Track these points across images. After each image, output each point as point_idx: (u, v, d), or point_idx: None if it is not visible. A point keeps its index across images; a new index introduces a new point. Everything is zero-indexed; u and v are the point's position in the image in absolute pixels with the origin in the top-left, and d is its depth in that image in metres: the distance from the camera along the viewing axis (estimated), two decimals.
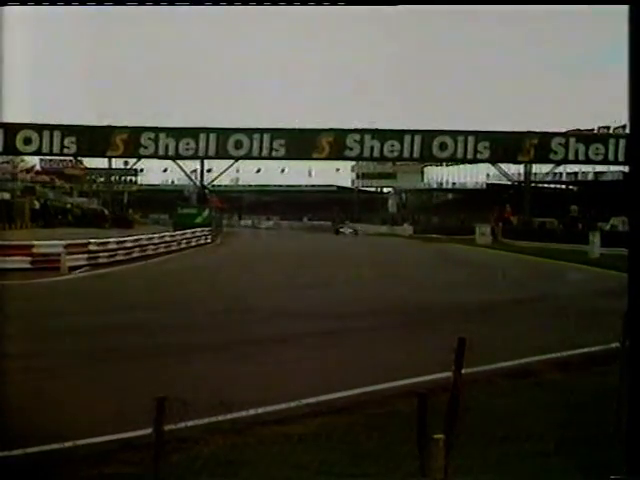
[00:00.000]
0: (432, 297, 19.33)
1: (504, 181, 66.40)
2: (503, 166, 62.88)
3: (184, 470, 5.92)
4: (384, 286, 22.36)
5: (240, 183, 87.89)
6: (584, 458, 6.50)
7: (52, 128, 54.38)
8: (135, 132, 55.27)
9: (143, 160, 64.99)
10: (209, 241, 48.21)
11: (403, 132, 56.24)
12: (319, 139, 55.14)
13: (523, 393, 9.13)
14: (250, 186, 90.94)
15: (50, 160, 76.80)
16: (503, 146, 56.61)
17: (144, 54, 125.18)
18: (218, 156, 56.71)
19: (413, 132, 56.17)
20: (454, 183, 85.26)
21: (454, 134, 56.55)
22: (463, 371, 5.85)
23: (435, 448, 4.97)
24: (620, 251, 25.33)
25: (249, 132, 55.53)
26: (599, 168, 68.58)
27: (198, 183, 61.60)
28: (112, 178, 78.90)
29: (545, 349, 11.44)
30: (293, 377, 9.83)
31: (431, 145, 56.42)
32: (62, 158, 72.58)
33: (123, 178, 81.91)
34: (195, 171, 62.29)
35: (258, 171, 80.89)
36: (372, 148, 56.31)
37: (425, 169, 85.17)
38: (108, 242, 29.94)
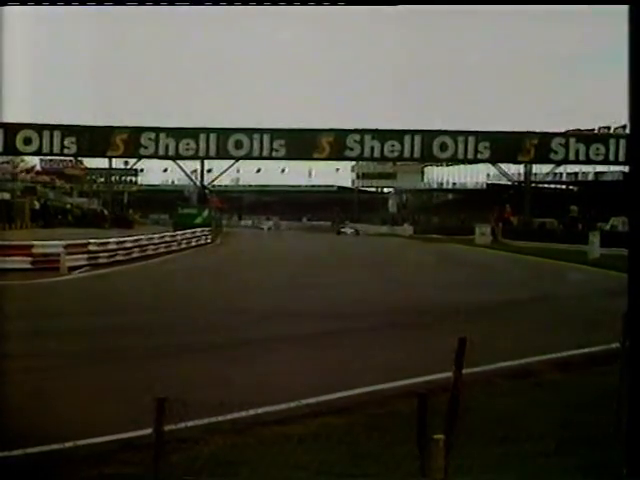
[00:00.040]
0: (435, 298, 19.34)
1: (504, 181, 66.42)
2: (503, 166, 62.90)
3: (184, 470, 5.91)
4: (387, 288, 22.34)
5: (240, 183, 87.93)
6: (584, 458, 6.50)
7: (52, 128, 54.35)
8: (135, 132, 55.25)
9: (143, 160, 64.98)
10: (209, 241, 48.21)
11: (403, 132, 56.21)
12: (319, 139, 55.10)
13: (523, 393, 9.13)
14: (250, 186, 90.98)
15: (50, 160, 76.79)
16: (503, 146, 56.59)
17: (144, 54, 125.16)
18: (218, 156, 56.69)
19: (413, 132, 56.14)
20: (454, 183, 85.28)
21: (454, 134, 56.53)
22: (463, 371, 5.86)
23: (435, 448, 4.97)
24: (620, 251, 25.31)
25: (249, 132, 55.49)
26: (599, 168, 68.58)
27: (198, 183, 61.60)
28: (112, 178, 78.88)
29: (545, 350, 11.45)
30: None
31: (431, 145, 56.39)
32: (62, 158, 72.56)
33: (123, 178, 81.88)
34: (195, 171, 62.31)
35: (258, 171, 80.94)
36: (372, 148, 56.29)
37: (425, 169, 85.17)
38: (108, 242, 29.94)
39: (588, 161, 59.26)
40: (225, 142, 55.42)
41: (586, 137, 59.22)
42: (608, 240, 36.11)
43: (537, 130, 56.91)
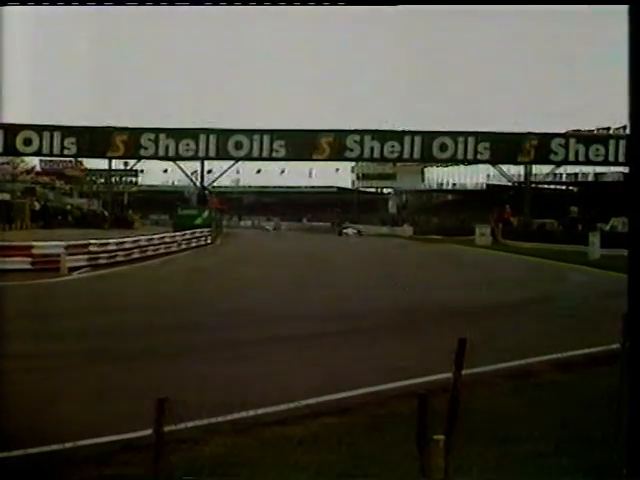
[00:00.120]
0: (440, 298, 19.38)
1: (504, 182, 66.39)
2: (503, 167, 62.89)
3: (184, 471, 5.91)
4: (390, 289, 22.33)
5: (240, 184, 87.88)
6: (584, 459, 6.50)
7: (52, 129, 54.31)
8: (135, 133, 55.21)
9: (143, 161, 64.96)
10: (209, 242, 48.21)
11: (403, 133, 56.19)
12: (319, 140, 55.07)
13: (524, 394, 9.12)
14: (250, 187, 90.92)
15: (50, 161, 76.76)
16: (503, 147, 56.57)
17: (144, 54, 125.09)
18: (218, 157, 56.66)
19: (413, 133, 56.12)
20: (454, 184, 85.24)
21: (454, 135, 56.50)
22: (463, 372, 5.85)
23: (435, 449, 4.97)
24: (620, 252, 25.31)
25: (249, 133, 55.46)
26: (599, 169, 68.56)
27: (198, 184, 61.59)
28: (112, 179, 78.86)
29: (544, 349, 11.46)
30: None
31: (431, 146, 56.36)
32: (62, 159, 72.53)
33: (123, 179, 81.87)
34: (195, 172, 62.28)
35: (258, 172, 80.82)
36: (372, 149, 56.26)
37: (425, 170, 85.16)
38: (108, 243, 29.95)
39: (588, 162, 59.22)
40: (225, 143, 55.39)
41: (586, 138, 59.21)
42: (608, 241, 36.10)
43: (537, 131, 56.89)
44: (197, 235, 46.35)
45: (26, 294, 18.93)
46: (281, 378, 9.65)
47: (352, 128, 55.83)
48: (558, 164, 60.77)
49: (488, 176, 75.50)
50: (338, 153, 55.88)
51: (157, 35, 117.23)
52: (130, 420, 7.11)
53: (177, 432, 5.43)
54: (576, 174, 74.13)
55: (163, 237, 39.13)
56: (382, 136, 55.82)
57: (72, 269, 24.78)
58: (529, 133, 56.47)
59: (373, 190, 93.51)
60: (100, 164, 72.36)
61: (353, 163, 75.74)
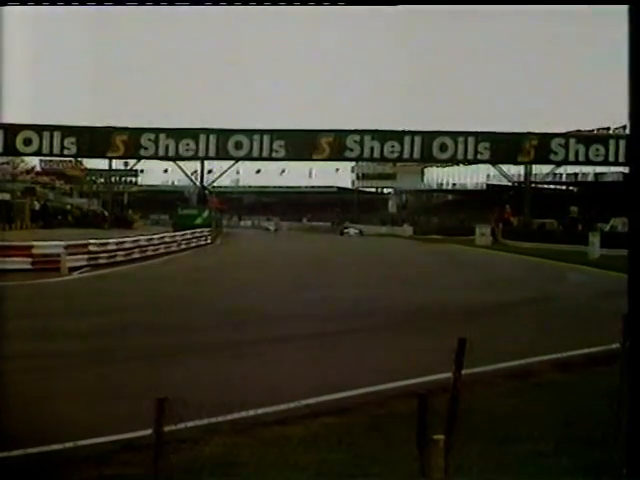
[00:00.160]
0: (440, 298, 19.40)
1: (504, 182, 66.38)
2: (503, 167, 62.81)
3: (184, 470, 5.90)
4: (392, 289, 22.34)
5: (240, 184, 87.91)
6: (584, 459, 6.49)
7: (52, 129, 54.11)
8: (135, 133, 55.04)
9: (143, 161, 64.93)
10: (209, 242, 48.20)
11: (403, 133, 56.04)
12: (319, 140, 54.91)
13: (524, 394, 9.12)
14: (250, 187, 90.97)
15: (50, 161, 76.77)
16: (503, 147, 56.37)
17: (144, 54, 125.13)
18: (218, 157, 56.50)
19: (413, 133, 55.96)
20: (454, 184, 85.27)
21: (454, 135, 56.32)
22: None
23: (435, 449, 4.96)
24: (620, 252, 25.31)
25: (249, 133, 55.30)
26: (599, 169, 68.55)
27: (198, 184, 61.58)
28: (112, 179, 78.87)
29: (544, 349, 11.46)
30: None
31: (431, 146, 56.18)
32: (62, 159, 72.55)
33: (123, 179, 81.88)
34: (195, 172, 62.28)
35: (258, 172, 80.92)
36: (372, 149, 56.08)
37: (425, 170, 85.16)
38: (108, 243, 29.94)
39: (588, 162, 59.06)
40: (225, 143, 55.24)
41: (586, 138, 59.13)
42: (608, 241, 36.10)
43: (537, 131, 56.84)
44: (197, 235, 46.34)
45: (26, 294, 18.92)
46: (281, 378, 9.66)
47: (352, 128, 55.82)
48: (558, 164, 60.61)
49: (488, 176, 75.60)
50: (338, 153, 55.73)
51: (157, 35, 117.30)
52: (130, 420, 7.11)
53: (177, 432, 5.43)
54: (576, 174, 74.13)
55: (163, 237, 39.13)
56: (382, 136, 55.71)
57: (72, 269, 24.78)
58: (529, 133, 56.38)
59: (373, 190, 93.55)
60: (100, 164, 72.45)
61: (353, 163, 75.74)
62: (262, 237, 64.52)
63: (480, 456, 6.18)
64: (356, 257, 38.41)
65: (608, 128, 63.90)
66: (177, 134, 55.72)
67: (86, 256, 27.04)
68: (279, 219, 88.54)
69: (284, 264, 30.96)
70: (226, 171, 60.49)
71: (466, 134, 56.40)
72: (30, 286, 20.63)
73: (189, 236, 44.25)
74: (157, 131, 55.60)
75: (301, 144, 54.95)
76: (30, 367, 9.85)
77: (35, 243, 26.51)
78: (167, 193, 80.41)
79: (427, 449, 5.01)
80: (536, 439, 6.85)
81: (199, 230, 48.33)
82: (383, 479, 6.07)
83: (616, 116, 58.73)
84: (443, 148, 56.56)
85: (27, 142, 53.89)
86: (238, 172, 73.79)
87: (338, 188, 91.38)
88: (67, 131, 54.53)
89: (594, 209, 58.39)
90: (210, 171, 62.20)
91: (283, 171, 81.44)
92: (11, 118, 45.12)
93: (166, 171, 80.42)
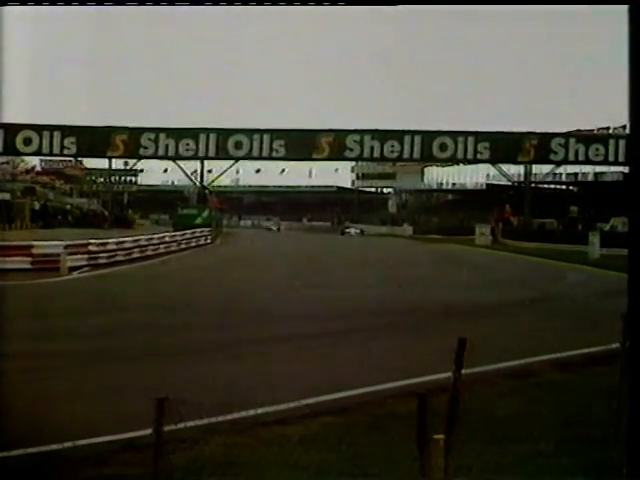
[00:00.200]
0: (440, 298, 19.40)
1: (504, 182, 66.36)
2: (503, 166, 62.81)
3: (184, 470, 5.90)
4: (392, 289, 22.33)
5: (240, 184, 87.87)
6: (584, 458, 6.49)
7: (52, 129, 54.18)
8: (135, 132, 55.09)
9: (143, 161, 64.96)
10: (209, 242, 48.19)
11: (403, 132, 56.09)
12: (319, 139, 54.95)
13: (523, 393, 9.12)
14: (250, 187, 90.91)
15: (50, 161, 76.73)
16: (503, 146, 56.42)
17: (144, 54, 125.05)
18: (218, 156, 56.55)
19: (413, 132, 56.01)
20: (454, 183, 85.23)
21: (454, 135, 56.36)
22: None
23: (435, 448, 4.96)
24: (620, 251, 25.31)
25: (249, 133, 55.35)
26: (599, 169, 68.54)
27: (198, 184, 61.57)
28: (112, 179, 78.85)
29: (543, 349, 11.46)
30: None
31: (431, 145, 56.23)
32: (62, 159, 72.52)
33: (123, 179, 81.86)
34: (195, 172, 62.27)
35: (258, 171, 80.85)
36: (372, 148, 56.13)
37: (425, 169, 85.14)
38: (108, 243, 29.94)
39: (588, 161, 59.11)
40: (225, 142, 55.28)
41: (586, 137, 59.15)
42: (608, 240, 36.10)
43: (537, 131, 56.84)
44: (197, 235, 46.34)
45: (26, 294, 18.91)
46: (280, 377, 9.66)
47: (352, 128, 55.80)
48: (558, 164, 60.66)
49: (488, 176, 75.54)
50: (338, 153, 55.76)
51: (157, 35, 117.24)
52: (130, 420, 7.11)
53: (177, 432, 5.42)
54: (576, 174, 74.11)
55: (163, 237, 39.12)
56: (382, 136, 55.73)
57: (72, 269, 24.77)
58: (529, 133, 56.41)
59: (373, 190, 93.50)
60: (100, 164, 72.42)
61: (353, 163, 75.71)
62: (263, 237, 64.48)
63: (480, 456, 6.18)
64: (356, 257, 38.37)
65: (608, 128, 63.88)
66: (177, 134, 55.71)
67: (86, 256, 27.03)
68: (279, 219, 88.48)
69: (284, 264, 30.92)
70: (226, 171, 60.56)
71: (466, 134, 56.39)
72: (30, 286, 20.62)
73: (189, 236, 44.25)
74: (157, 131, 55.59)
75: (301, 144, 54.94)
76: (30, 367, 9.85)
77: (35, 243, 26.51)
78: (167, 193, 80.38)
79: (427, 449, 5.01)
80: (536, 439, 6.85)
81: (199, 230, 48.32)
82: (383, 479, 6.07)
83: (616, 116, 58.73)
84: (443, 148, 56.54)
85: (27, 142, 53.89)
86: (238, 172, 73.80)
87: (338, 188, 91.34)
88: (67, 131, 54.51)
89: (594, 209, 58.39)
90: (210, 171, 62.23)
91: (283, 171, 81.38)
92: (11, 118, 45.15)
93: (166, 171, 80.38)
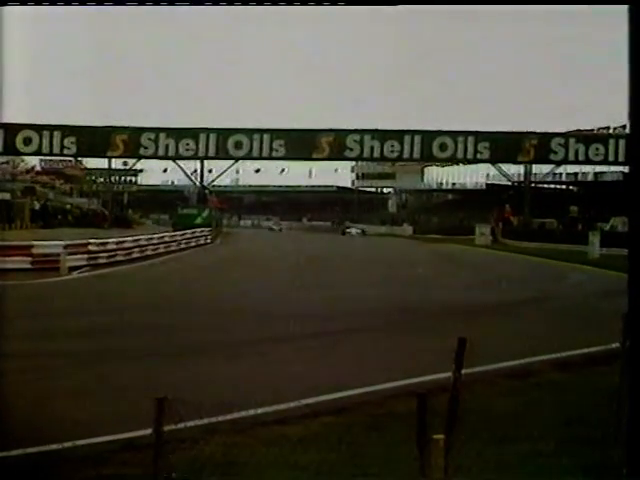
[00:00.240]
0: (440, 298, 19.39)
1: (504, 181, 66.39)
2: (503, 166, 62.85)
3: (184, 470, 5.90)
4: (392, 289, 22.33)
5: (240, 183, 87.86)
6: (584, 458, 6.49)
7: (52, 128, 54.26)
8: (135, 132, 55.16)
9: (143, 160, 64.95)
10: (209, 241, 48.20)
11: (403, 132, 56.15)
12: (319, 139, 55.02)
13: (523, 393, 9.12)
14: (250, 186, 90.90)
15: (50, 160, 76.71)
16: (503, 146, 56.49)
17: (144, 54, 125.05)
18: (218, 156, 56.62)
19: (413, 132, 56.08)
20: (454, 183, 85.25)
21: (454, 134, 56.44)
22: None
23: (435, 448, 4.96)
24: (620, 251, 25.33)
25: (249, 132, 55.42)
26: (599, 168, 68.53)
27: (198, 183, 61.58)
28: (112, 178, 78.85)
29: (543, 348, 11.46)
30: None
31: (431, 145, 56.31)
32: (62, 158, 72.53)
33: (123, 178, 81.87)
34: (195, 171, 62.29)
35: (257, 171, 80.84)
36: (372, 148, 56.22)
37: (425, 169, 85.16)
38: (108, 242, 29.94)
39: (588, 161, 59.15)
40: (225, 142, 55.34)
41: (586, 137, 59.16)
42: (608, 240, 36.12)
43: (537, 130, 56.85)
44: (197, 234, 46.35)
45: (26, 294, 18.91)
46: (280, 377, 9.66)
47: (352, 128, 55.81)
48: (558, 164, 60.71)
49: (488, 176, 75.55)
50: (338, 152, 55.82)
51: (157, 35, 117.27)
52: (129, 420, 7.11)
53: (176, 431, 5.43)
54: (576, 174, 74.10)
55: (163, 236, 39.12)
56: (382, 135, 55.78)
57: (72, 268, 24.77)
58: (529, 133, 56.44)
59: (373, 190, 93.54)
60: (100, 163, 72.42)
61: (353, 163, 75.75)
62: (263, 237, 64.48)
63: (480, 456, 6.18)
64: (356, 257, 38.36)
65: (608, 128, 63.87)
66: (177, 134, 55.77)
67: (86, 256, 27.03)
68: (279, 219, 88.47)
69: (285, 264, 30.91)
70: (226, 170, 60.59)
71: (466, 134, 56.47)
72: (30, 286, 20.62)
73: (189, 236, 44.26)
74: (157, 131, 55.66)
75: (301, 143, 54.99)
76: (29, 367, 9.84)
77: (35, 243, 26.50)
78: (167, 193, 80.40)
79: (427, 449, 5.00)
80: (536, 439, 6.85)
81: (199, 230, 48.32)
82: (383, 479, 6.07)
83: (616, 116, 58.71)
84: (443, 147, 56.60)
85: (27, 141, 53.94)
86: (238, 172, 73.78)
87: (338, 188, 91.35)
88: (67, 131, 54.58)
89: (594, 209, 58.40)
90: (210, 170, 62.23)
91: (283, 170, 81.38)
92: (11, 118, 45.20)
93: (166, 171, 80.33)
